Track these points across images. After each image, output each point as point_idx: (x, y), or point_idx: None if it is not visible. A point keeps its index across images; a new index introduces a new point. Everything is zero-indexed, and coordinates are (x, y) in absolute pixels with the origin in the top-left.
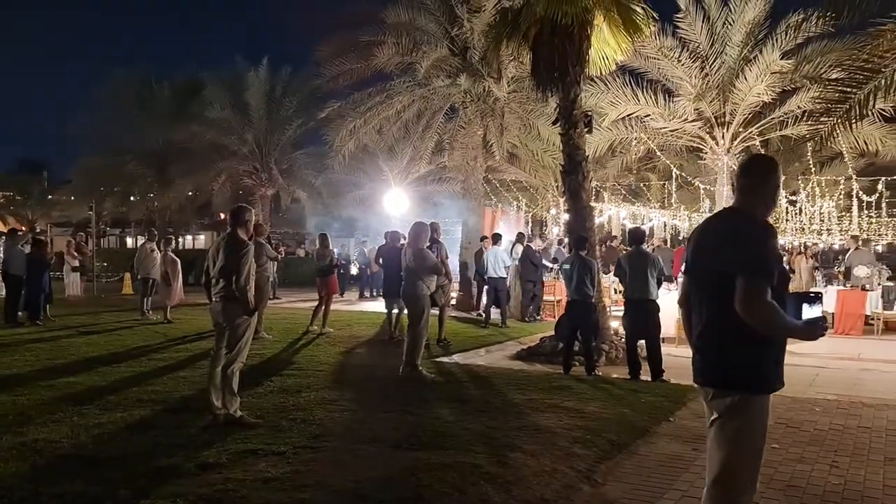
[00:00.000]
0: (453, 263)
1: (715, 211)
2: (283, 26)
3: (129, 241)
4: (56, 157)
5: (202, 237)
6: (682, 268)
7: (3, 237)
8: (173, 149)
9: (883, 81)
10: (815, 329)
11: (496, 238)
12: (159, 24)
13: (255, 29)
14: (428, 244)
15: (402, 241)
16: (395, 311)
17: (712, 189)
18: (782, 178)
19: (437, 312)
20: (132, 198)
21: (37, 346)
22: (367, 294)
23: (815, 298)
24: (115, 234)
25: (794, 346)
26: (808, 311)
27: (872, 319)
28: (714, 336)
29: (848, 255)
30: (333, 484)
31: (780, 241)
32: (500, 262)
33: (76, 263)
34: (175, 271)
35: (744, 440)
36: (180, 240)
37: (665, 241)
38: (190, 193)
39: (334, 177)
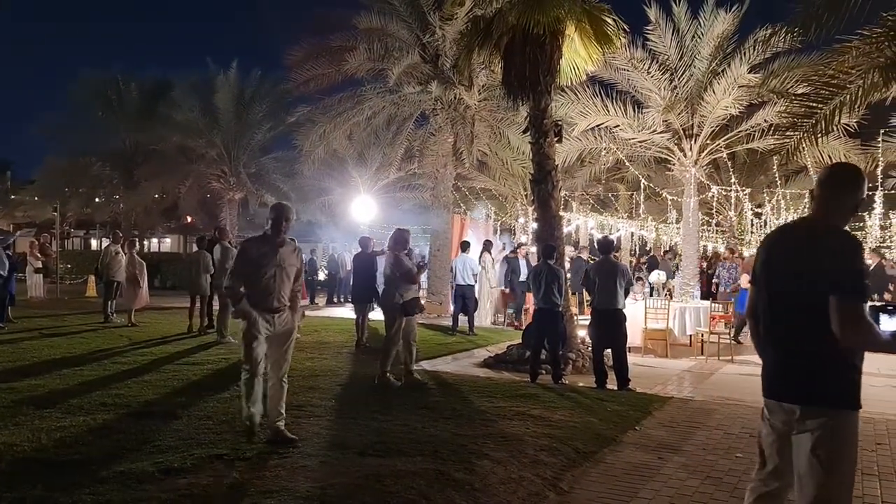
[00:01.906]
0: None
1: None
2: (254, 30)
3: (94, 243)
4: (20, 156)
5: (168, 240)
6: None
7: None
8: (140, 151)
9: (848, 97)
10: None
11: (465, 246)
12: (128, 24)
13: (225, 32)
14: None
15: (371, 248)
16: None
17: (679, 200)
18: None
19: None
20: (97, 199)
21: None
22: (335, 300)
23: (894, 310)
24: (79, 236)
25: (755, 357)
26: (888, 323)
27: None
28: (805, 352)
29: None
30: (299, 490)
31: (746, 253)
32: (469, 269)
33: (39, 265)
34: (141, 274)
35: (843, 460)
36: (146, 243)
37: (634, 252)
38: (156, 196)
39: (303, 182)
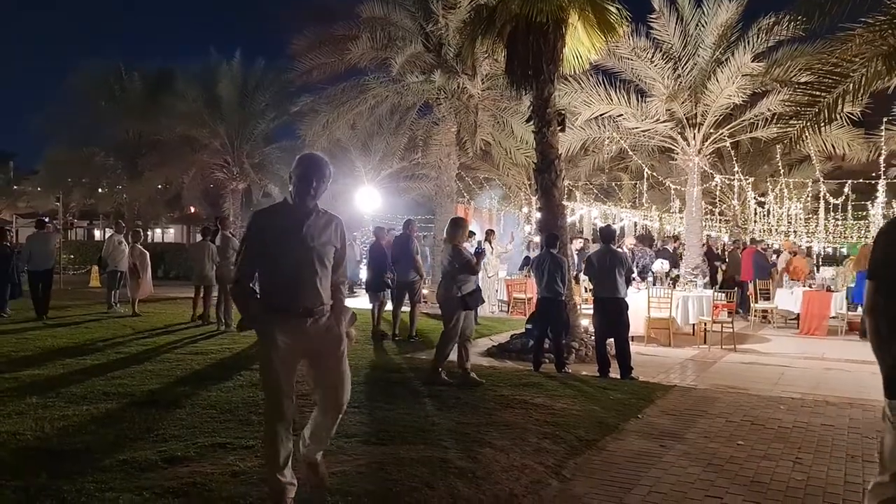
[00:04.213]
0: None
1: (686, 211)
2: (257, 18)
3: (97, 234)
4: (23, 146)
5: (171, 230)
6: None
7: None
8: (143, 141)
9: (851, 85)
10: None
11: (468, 235)
12: (131, 12)
13: (228, 21)
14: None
15: (386, 238)
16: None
17: (683, 189)
18: None
19: (409, 308)
20: (100, 190)
21: (1, 338)
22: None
23: None
24: (82, 227)
25: (758, 346)
26: None
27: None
28: None
29: None
30: (301, 477)
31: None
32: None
33: None
34: (144, 264)
35: None
36: (149, 233)
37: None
38: (160, 186)
39: None
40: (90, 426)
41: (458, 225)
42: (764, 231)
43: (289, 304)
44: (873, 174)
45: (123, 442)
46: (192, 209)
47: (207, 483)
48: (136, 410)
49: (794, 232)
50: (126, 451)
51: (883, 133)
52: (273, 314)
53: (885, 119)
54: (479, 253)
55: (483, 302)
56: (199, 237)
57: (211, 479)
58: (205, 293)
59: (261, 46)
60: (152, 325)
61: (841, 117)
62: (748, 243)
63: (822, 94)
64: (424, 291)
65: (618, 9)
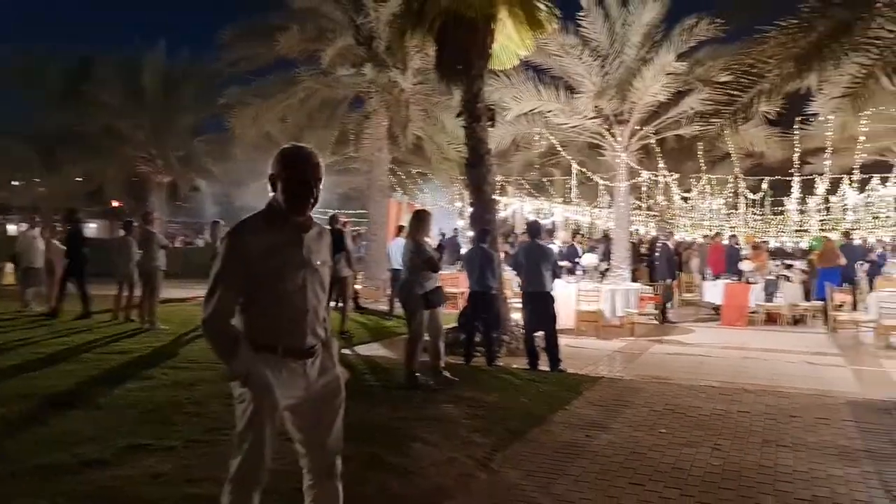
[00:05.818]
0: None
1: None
2: (185, 6)
3: (12, 229)
4: None
5: (93, 226)
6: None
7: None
8: (62, 132)
9: (767, 85)
10: None
11: (401, 230)
12: None
13: (154, 9)
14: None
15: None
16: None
17: (612, 185)
18: None
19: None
20: (14, 182)
21: None
22: None
23: None
24: None
25: (682, 336)
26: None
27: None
28: None
29: None
30: (226, 477)
31: (679, 237)
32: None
33: None
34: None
35: None
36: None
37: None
38: (80, 179)
39: (236, 165)
40: (3, 429)
41: (420, 218)
42: (688, 226)
43: (291, 342)
44: (789, 171)
45: (38, 445)
46: (115, 203)
47: (126, 486)
48: (52, 412)
49: (758, 225)
50: (41, 455)
51: (797, 132)
52: (266, 356)
53: (798, 119)
54: (441, 248)
55: (445, 300)
56: (121, 232)
57: (130, 481)
58: (128, 291)
59: (188, 37)
60: (70, 324)
61: (758, 116)
62: (713, 238)
63: (740, 93)
64: (357, 287)
65: (547, 6)
